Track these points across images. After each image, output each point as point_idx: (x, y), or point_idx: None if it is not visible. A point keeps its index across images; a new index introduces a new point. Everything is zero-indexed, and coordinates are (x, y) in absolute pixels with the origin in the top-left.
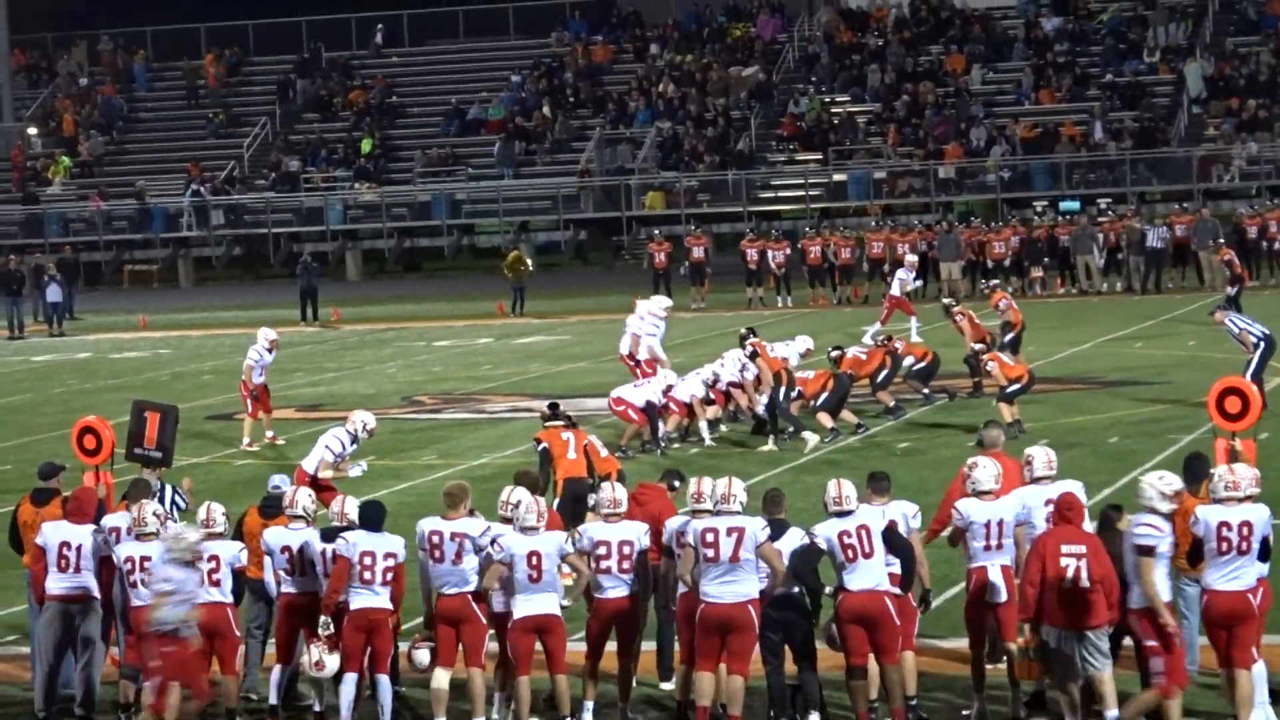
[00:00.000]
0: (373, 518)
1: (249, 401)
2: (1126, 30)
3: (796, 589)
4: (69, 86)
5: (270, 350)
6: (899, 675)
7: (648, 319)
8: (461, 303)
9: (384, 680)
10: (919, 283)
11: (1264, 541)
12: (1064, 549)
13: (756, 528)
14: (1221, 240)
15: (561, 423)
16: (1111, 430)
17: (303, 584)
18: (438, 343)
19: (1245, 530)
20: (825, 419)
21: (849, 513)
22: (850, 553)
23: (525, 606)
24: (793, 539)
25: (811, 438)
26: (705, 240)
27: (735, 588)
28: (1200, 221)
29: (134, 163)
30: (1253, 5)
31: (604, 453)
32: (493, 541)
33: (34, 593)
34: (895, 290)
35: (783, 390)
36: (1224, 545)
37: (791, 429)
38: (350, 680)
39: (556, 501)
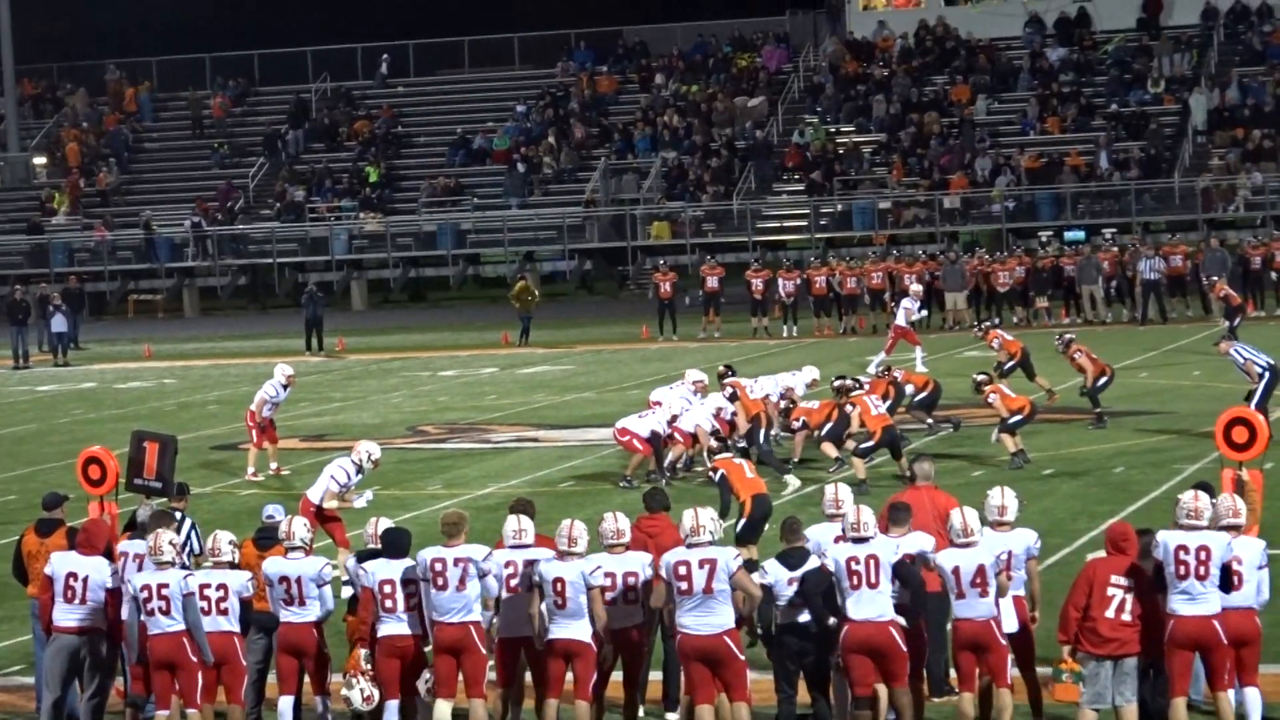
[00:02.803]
0: (394, 544)
1: (254, 432)
2: (1131, 60)
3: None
4: (75, 117)
5: (286, 387)
6: (908, 699)
7: (679, 394)
8: (466, 332)
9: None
10: (924, 312)
11: (1224, 570)
12: (1113, 579)
13: (728, 558)
14: (1216, 277)
15: (731, 453)
16: (1117, 460)
17: (301, 614)
18: (443, 373)
19: (1203, 555)
20: (830, 449)
21: (865, 539)
22: (855, 579)
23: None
24: (814, 566)
25: (793, 481)
26: (721, 270)
27: (711, 619)
28: (1209, 252)
29: (139, 193)
30: (1258, 36)
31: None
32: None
33: (41, 623)
34: (900, 320)
35: (762, 432)
36: (1181, 569)
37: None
38: (392, 708)
39: (744, 521)
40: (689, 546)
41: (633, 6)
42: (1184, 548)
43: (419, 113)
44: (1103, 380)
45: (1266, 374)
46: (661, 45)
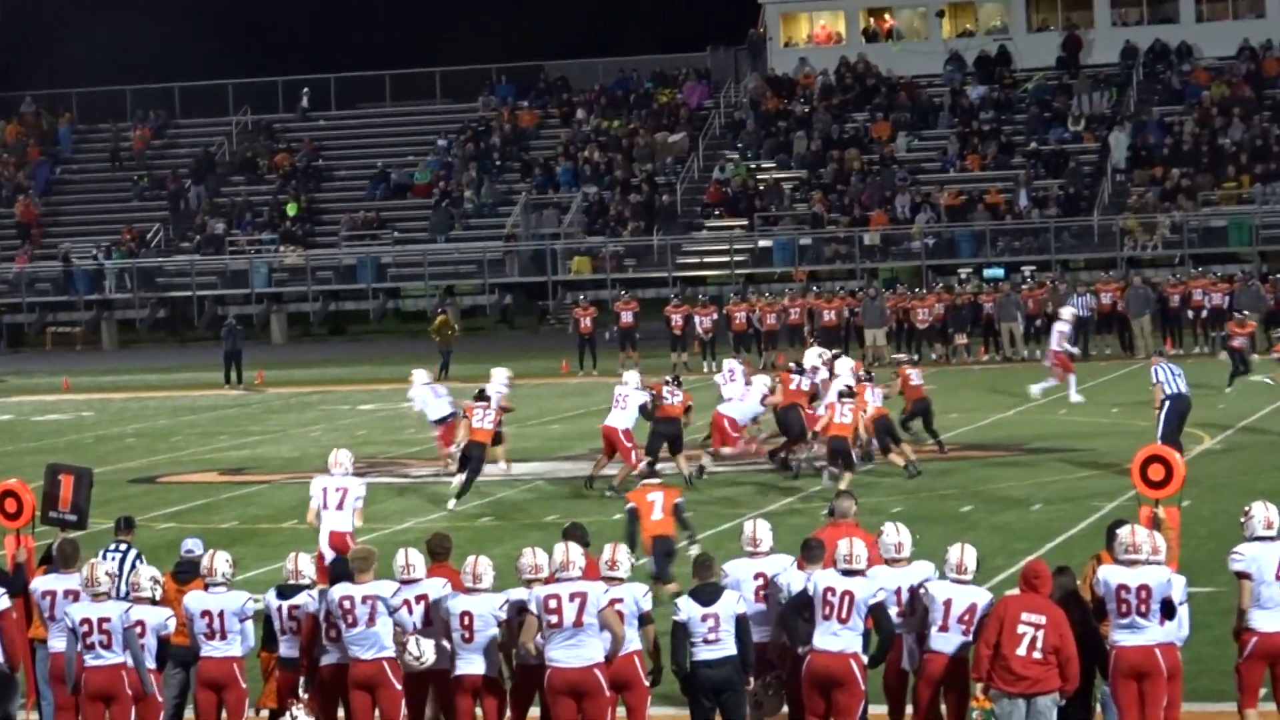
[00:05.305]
0: (341, 575)
1: (450, 432)
2: (1051, 98)
3: (734, 651)
4: None
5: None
6: None
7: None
8: (386, 366)
9: None
10: (1075, 349)
11: (1165, 603)
12: (1024, 616)
13: (598, 592)
14: (1244, 313)
15: (656, 481)
16: (1034, 497)
17: (223, 648)
18: (362, 406)
19: (1144, 594)
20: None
21: (853, 573)
22: (828, 609)
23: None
24: (729, 602)
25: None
26: (635, 305)
27: (580, 652)
28: (1133, 290)
29: (58, 224)
30: (1177, 75)
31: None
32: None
33: None
34: (1055, 345)
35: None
36: (1123, 607)
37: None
38: None
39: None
40: (558, 581)
41: (554, 41)
42: (1125, 586)
43: (340, 146)
44: (909, 413)
45: (1167, 403)
46: (583, 80)
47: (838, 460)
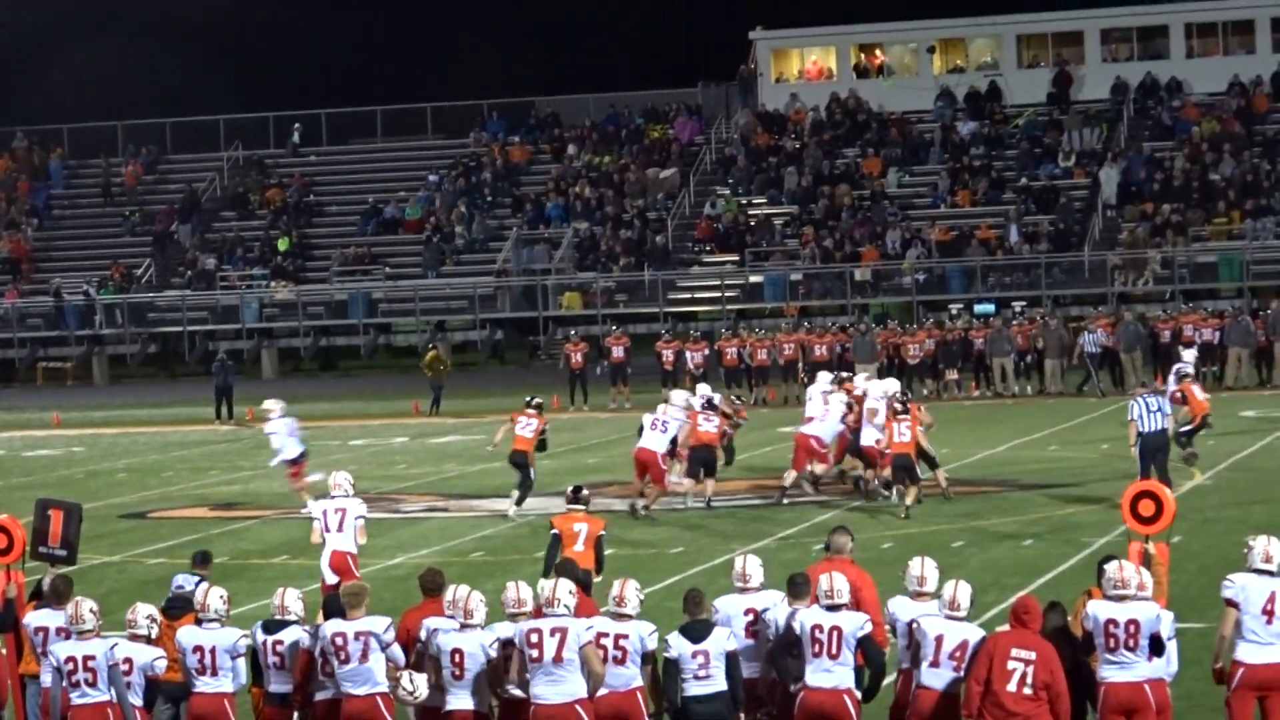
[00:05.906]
0: (336, 609)
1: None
2: (1042, 134)
3: (725, 687)
4: None
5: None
6: None
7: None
8: (377, 402)
9: None
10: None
11: (1154, 638)
12: (1014, 652)
13: (580, 628)
14: (1140, 347)
15: (581, 508)
16: (1025, 533)
17: (214, 685)
18: (353, 442)
19: (1132, 628)
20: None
21: (836, 608)
22: (817, 647)
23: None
24: (719, 638)
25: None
26: (625, 340)
27: (561, 687)
28: (1123, 325)
29: (49, 259)
30: (1167, 111)
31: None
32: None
33: None
34: (1174, 385)
35: None
36: (1111, 641)
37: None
38: None
39: None
40: (543, 616)
41: (545, 77)
42: (1113, 621)
43: (331, 181)
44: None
45: (1139, 441)
46: (574, 116)
47: (903, 477)
